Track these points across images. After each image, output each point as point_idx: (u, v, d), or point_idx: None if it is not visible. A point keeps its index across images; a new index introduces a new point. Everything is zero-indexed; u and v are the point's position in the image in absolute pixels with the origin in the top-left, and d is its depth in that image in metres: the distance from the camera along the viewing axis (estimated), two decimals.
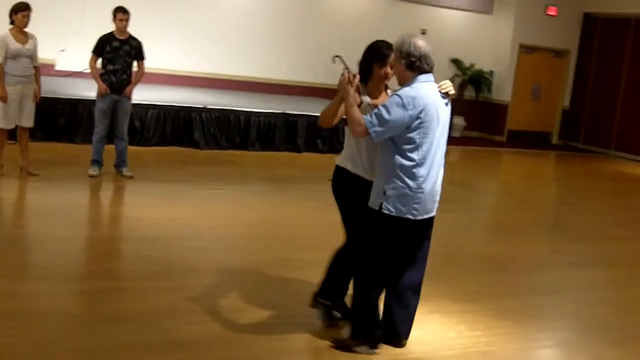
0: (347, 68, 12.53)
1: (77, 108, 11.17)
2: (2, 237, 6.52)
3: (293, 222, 8.01)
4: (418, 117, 4.39)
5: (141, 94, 10.50)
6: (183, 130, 11.99)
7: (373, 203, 4.56)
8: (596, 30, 18.53)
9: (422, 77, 4.50)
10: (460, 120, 17.55)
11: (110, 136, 9.18)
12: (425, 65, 4.49)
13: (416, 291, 4.84)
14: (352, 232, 4.83)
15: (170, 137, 11.90)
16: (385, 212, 4.48)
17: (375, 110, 4.40)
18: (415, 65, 4.49)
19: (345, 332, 4.83)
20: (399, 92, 4.43)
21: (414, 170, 4.46)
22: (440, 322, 5.42)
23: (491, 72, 18.18)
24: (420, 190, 4.47)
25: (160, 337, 4.62)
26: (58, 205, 7.71)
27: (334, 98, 4.69)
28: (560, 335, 5.43)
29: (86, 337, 4.50)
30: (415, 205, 4.49)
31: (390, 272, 4.69)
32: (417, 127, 4.41)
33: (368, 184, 4.65)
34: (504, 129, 18.36)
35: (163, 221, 7.35)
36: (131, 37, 9.00)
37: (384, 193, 4.48)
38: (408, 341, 4.95)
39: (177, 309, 5.08)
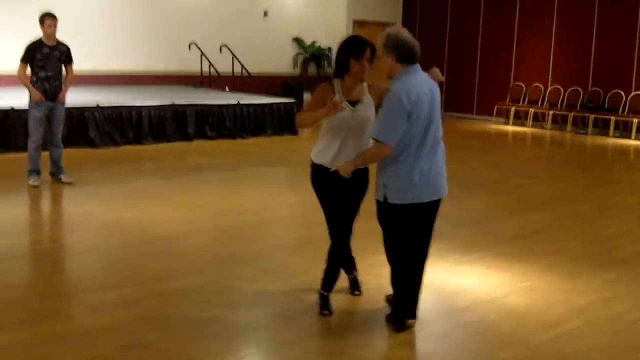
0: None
1: None
2: (25, 256, 6.46)
3: (269, 205, 8.49)
4: (411, 110, 4.49)
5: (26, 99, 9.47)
6: (78, 130, 11.89)
7: (378, 195, 4.73)
8: (416, 2, 20.04)
9: (411, 68, 4.60)
10: (307, 97, 18.36)
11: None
12: (414, 57, 4.60)
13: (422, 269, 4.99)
14: (328, 220, 5.02)
15: (66, 139, 11.71)
16: (392, 202, 4.65)
17: (378, 123, 4.57)
18: (404, 57, 4.58)
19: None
20: (393, 92, 4.51)
21: (406, 159, 4.57)
22: (471, 270, 6.25)
23: (329, 48, 19.14)
24: (418, 176, 4.58)
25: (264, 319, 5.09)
26: (32, 219, 7.70)
27: (316, 96, 4.84)
28: (565, 268, 6.40)
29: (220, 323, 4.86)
30: (416, 191, 4.62)
31: (412, 253, 4.84)
32: (409, 119, 4.51)
33: (335, 175, 4.76)
34: None
35: (156, 220, 7.55)
36: (59, 43, 8.93)
37: (384, 185, 4.65)
38: (468, 288, 5.75)
39: (269, 289, 5.52)
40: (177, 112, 13.00)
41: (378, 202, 4.78)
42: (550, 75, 17.50)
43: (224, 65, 16.68)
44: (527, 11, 17.83)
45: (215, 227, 7.42)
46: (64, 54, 8.95)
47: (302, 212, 8.01)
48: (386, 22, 19.91)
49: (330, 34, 19.13)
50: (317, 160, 4.95)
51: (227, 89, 16.28)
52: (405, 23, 20.15)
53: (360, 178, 4.96)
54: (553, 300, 5.60)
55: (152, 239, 6.89)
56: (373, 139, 4.63)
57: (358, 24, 19.35)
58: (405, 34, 4.66)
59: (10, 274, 5.85)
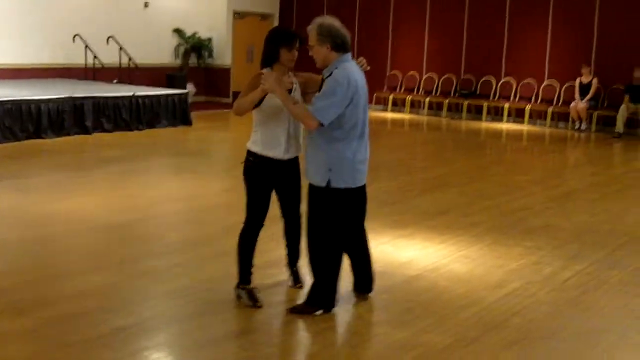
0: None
1: None
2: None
3: (200, 193, 8.83)
4: (352, 95, 4.72)
5: None
6: None
7: (318, 181, 4.83)
8: None
9: (345, 56, 4.81)
10: (190, 87, 18.55)
11: None
12: (347, 46, 4.82)
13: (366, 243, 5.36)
14: (255, 212, 5.12)
15: None
16: (334, 186, 4.81)
17: (318, 100, 4.70)
18: (339, 46, 4.77)
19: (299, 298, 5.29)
20: (336, 77, 4.71)
21: (351, 143, 4.79)
22: (409, 243, 6.90)
23: (209, 39, 19.38)
24: (358, 160, 4.86)
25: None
26: None
27: (249, 86, 4.92)
28: (488, 238, 7.15)
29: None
30: (356, 174, 4.89)
31: (346, 238, 5.08)
32: (350, 105, 4.72)
33: (285, 164, 5.06)
34: (229, 91, 19.73)
35: (94, 210, 7.71)
36: None
37: (329, 170, 4.78)
38: (412, 259, 6.38)
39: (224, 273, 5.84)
40: (75, 106, 12.95)
41: (315, 188, 4.88)
42: (424, 64, 18.48)
43: (108, 57, 16.59)
44: (401, 2, 18.70)
45: (159, 213, 7.73)
46: None
47: (237, 199, 8.36)
48: (265, 13, 20.41)
49: (210, 24, 19.35)
50: (265, 153, 5.00)
51: (115, 81, 16.25)
52: (282, 14, 20.63)
53: (296, 167, 5.16)
54: (489, 265, 6.30)
55: (101, 227, 7.10)
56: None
57: (238, 14, 19.67)
58: (337, 23, 4.82)
59: None
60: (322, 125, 4.68)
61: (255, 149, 5.03)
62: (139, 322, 4.86)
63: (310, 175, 4.91)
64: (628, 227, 7.80)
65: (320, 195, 4.86)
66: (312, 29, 4.84)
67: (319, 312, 5.02)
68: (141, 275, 5.81)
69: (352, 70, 4.82)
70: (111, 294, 5.33)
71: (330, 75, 4.77)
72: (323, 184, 4.82)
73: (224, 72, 19.66)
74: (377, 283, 5.55)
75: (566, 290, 5.76)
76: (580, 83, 15.64)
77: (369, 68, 5.17)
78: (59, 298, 5.20)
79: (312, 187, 4.91)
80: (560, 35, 16.40)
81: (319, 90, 4.85)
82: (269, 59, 5.00)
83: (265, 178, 5.07)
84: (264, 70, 4.93)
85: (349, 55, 4.87)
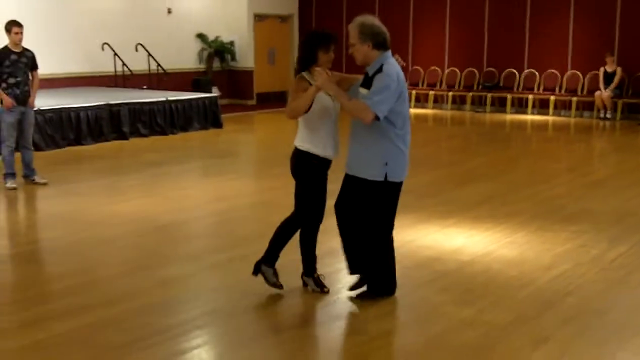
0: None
1: None
2: (50, 251, 6.93)
3: (243, 191, 9.15)
4: (401, 90, 4.90)
5: None
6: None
7: (374, 175, 4.94)
8: None
9: (387, 54, 4.95)
10: (215, 90, 18.90)
11: None
12: (388, 44, 4.95)
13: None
14: (304, 206, 5.27)
15: None
16: (391, 180, 4.96)
17: (372, 95, 4.82)
18: (381, 44, 4.90)
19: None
20: (386, 72, 4.84)
21: (404, 136, 4.99)
22: (457, 232, 7.19)
23: (232, 42, 19.73)
24: (407, 152, 5.05)
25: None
26: (44, 218, 8.18)
27: (295, 90, 5.02)
28: (532, 225, 7.42)
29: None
30: (406, 167, 5.09)
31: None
32: (399, 98, 4.89)
33: (330, 163, 5.21)
34: (252, 93, 20.06)
35: (148, 210, 8.07)
36: (25, 49, 9.24)
37: (386, 164, 4.92)
38: (462, 246, 6.68)
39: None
40: (112, 112, 13.33)
41: (368, 182, 4.99)
42: (446, 59, 18.72)
43: (135, 64, 16.95)
44: None
45: (210, 212, 8.09)
46: (30, 60, 9.26)
47: (281, 195, 8.65)
48: (284, 15, 20.73)
49: (231, 28, 19.70)
50: (325, 154, 5.14)
51: (144, 87, 16.62)
52: (301, 16, 20.92)
53: None
54: (537, 250, 6.60)
55: (159, 227, 7.43)
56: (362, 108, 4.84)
57: (258, 17, 20.00)
58: (377, 21, 4.95)
59: (58, 264, 6.37)
60: (377, 119, 4.80)
61: (315, 150, 5.12)
62: (191, 318, 5.12)
63: (362, 170, 5.01)
64: None
65: (376, 189, 5.00)
66: (353, 28, 4.94)
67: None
68: (195, 272, 6.11)
69: (395, 65, 4.99)
70: (163, 293, 5.56)
71: (379, 72, 4.90)
72: (380, 178, 4.95)
73: (247, 75, 19.99)
74: (434, 268, 5.99)
75: (614, 270, 6.05)
76: (605, 72, 15.84)
77: (404, 64, 5.35)
78: (106, 300, 5.38)
79: (365, 182, 4.99)
80: (582, 24, 16.60)
81: (365, 87, 5.00)
82: (307, 61, 5.10)
83: (324, 177, 5.24)
84: (318, 69, 5.02)
85: (389, 52, 5.01)
